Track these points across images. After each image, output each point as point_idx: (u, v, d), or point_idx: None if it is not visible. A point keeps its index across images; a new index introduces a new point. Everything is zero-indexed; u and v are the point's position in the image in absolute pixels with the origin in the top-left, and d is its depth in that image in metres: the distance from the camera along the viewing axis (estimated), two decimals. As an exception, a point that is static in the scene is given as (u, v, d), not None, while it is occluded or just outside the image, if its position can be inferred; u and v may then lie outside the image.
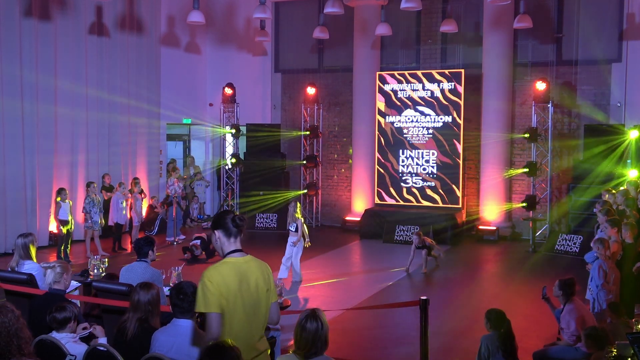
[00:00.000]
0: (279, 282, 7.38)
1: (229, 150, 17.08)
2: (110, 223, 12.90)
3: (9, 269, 6.71)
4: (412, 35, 16.11)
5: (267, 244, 13.81)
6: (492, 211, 14.69)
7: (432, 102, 14.90)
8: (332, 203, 17.08)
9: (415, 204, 15.15)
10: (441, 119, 14.85)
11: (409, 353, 7.14)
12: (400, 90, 15.19)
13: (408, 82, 15.12)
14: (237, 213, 3.99)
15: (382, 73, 15.45)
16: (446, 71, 14.91)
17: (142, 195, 13.83)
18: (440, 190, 14.92)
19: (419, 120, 15.07)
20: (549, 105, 14.15)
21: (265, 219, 15.82)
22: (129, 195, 13.16)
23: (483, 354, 5.71)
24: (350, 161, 16.48)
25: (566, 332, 6.25)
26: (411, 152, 15.18)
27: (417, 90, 15.04)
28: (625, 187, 10.28)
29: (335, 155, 17.06)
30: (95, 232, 12.18)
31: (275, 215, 15.72)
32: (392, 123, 15.31)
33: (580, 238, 12.67)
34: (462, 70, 14.73)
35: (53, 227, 12.87)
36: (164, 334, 4.38)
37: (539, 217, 14.34)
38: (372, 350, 7.50)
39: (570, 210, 13.52)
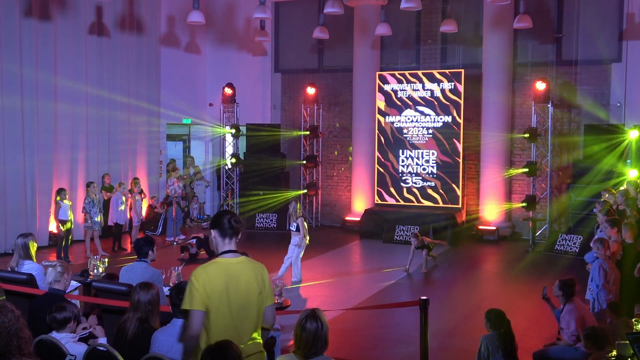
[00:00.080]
0: (279, 282, 7.39)
1: (229, 150, 17.08)
2: (110, 223, 12.91)
3: (9, 269, 6.72)
4: (412, 35, 16.10)
5: (266, 244, 13.82)
6: (492, 211, 14.70)
7: (432, 102, 14.90)
8: (332, 203, 17.07)
9: (416, 203, 15.15)
10: (441, 118, 14.85)
11: (409, 353, 7.15)
12: (400, 90, 15.18)
13: (408, 81, 15.11)
14: (235, 214, 3.99)
15: (383, 73, 15.45)
16: (446, 71, 14.92)
17: (142, 195, 13.84)
18: (440, 190, 14.92)
19: (419, 120, 15.07)
20: (549, 105, 14.15)
21: (265, 219, 15.81)
22: (129, 195, 13.18)
23: (483, 354, 5.71)
24: (350, 158, 16.47)
25: (566, 332, 6.26)
26: (411, 151, 15.18)
27: (418, 90, 15.04)
28: (625, 187, 10.29)
29: (335, 153, 17.04)
30: (95, 232, 12.19)
31: (275, 215, 15.71)
32: (392, 123, 15.30)
33: (580, 238, 12.66)
34: (462, 70, 14.73)
35: (53, 227, 12.86)
36: (164, 334, 4.39)
37: (538, 217, 14.35)
38: (372, 350, 7.50)
39: (570, 209, 13.52)
